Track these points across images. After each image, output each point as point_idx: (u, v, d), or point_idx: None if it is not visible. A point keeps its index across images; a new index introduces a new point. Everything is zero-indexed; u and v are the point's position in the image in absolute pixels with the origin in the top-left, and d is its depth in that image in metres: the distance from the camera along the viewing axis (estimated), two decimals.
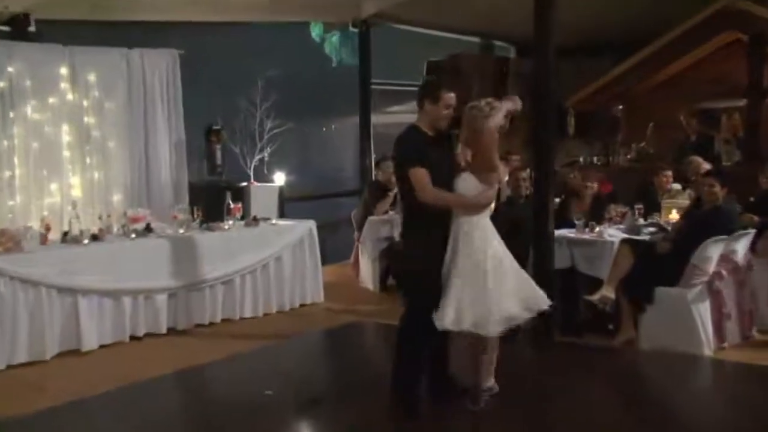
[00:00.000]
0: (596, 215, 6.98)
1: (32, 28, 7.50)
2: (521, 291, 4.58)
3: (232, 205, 7.57)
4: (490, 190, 4.57)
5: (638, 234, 6.72)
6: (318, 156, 10.54)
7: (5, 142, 7.28)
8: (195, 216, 7.33)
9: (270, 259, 7.53)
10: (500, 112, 4.49)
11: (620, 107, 11.01)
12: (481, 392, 4.73)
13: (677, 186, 7.44)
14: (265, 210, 8.22)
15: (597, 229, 6.69)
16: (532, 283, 4.73)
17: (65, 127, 7.70)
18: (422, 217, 4.60)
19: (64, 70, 7.64)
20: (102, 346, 6.36)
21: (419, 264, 4.63)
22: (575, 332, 6.49)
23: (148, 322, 6.69)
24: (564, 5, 6.29)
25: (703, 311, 6.00)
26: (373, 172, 9.70)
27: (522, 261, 6.44)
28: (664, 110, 10.23)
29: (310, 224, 7.95)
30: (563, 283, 6.47)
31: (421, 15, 10.20)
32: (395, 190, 8.51)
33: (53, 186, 7.62)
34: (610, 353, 6.16)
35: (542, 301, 4.64)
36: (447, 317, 4.43)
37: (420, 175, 4.49)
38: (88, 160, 7.87)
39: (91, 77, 7.85)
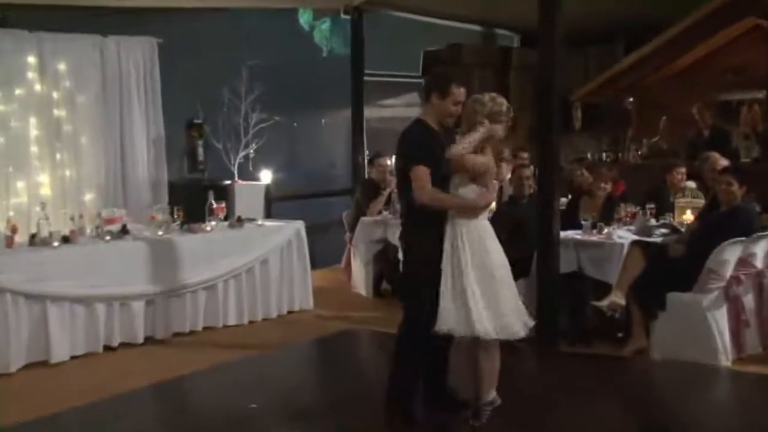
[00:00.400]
0: (606, 216, 6.97)
1: None
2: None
3: (214, 205, 7.55)
4: (489, 192, 4.59)
5: (650, 235, 6.72)
6: (307, 152, 10.52)
7: None
8: (175, 217, 7.31)
9: (255, 262, 7.51)
10: (469, 141, 4.52)
11: (631, 100, 11.02)
12: (483, 406, 4.71)
13: (692, 184, 7.43)
14: (250, 210, 8.20)
15: (605, 230, 6.69)
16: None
17: (33, 121, 7.68)
18: (422, 216, 4.63)
19: (31, 59, 7.62)
20: (73, 358, 6.32)
21: (419, 266, 4.64)
22: (582, 341, 6.49)
23: (124, 331, 6.65)
24: None
25: (720, 318, 5.98)
26: (366, 170, 9.68)
27: (525, 264, 6.53)
28: (679, 103, 10.24)
29: (299, 225, 7.93)
30: (569, 288, 6.48)
31: (418, 1, 10.20)
32: (389, 189, 8.52)
33: (20, 184, 7.60)
34: (619, 363, 6.14)
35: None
36: (467, 324, 4.49)
37: (421, 174, 4.52)
38: (58, 157, 7.85)
39: (62, 67, 7.82)
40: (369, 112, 10.73)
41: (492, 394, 4.73)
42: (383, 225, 8.37)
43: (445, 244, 4.56)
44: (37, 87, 7.68)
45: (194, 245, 7.10)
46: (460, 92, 4.66)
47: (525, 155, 8.64)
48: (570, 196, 7.65)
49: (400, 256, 4.92)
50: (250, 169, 8.99)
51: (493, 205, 7.62)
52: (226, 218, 7.67)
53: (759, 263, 6.24)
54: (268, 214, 8.73)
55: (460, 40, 11.68)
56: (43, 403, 5.34)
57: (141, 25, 8.36)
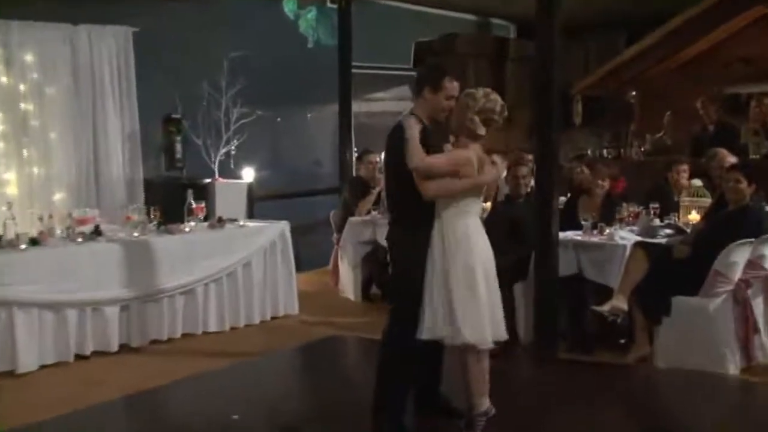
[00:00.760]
0: (606, 215, 6.97)
1: None
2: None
3: (194, 205, 7.53)
4: (486, 173, 4.60)
5: (653, 236, 6.73)
6: (292, 149, 10.50)
7: None
8: (151, 217, 7.29)
9: (237, 265, 7.50)
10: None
11: (634, 94, 11.03)
12: (476, 417, 4.71)
13: (698, 182, 7.43)
14: (231, 210, 8.19)
15: (607, 230, 6.69)
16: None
17: None
18: (410, 215, 4.64)
19: None
20: (42, 367, 6.28)
21: (407, 267, 4.65)
22: (582, 347, 6.49)
23: (97, 339, 6.62)
24: None
25: (728, 324, 5.99)
26: (354, 167, 9.68)
27: (523, 266, 6.54)
28: (684, 96, 10.24)
29: (283, 226, 7.93)
30: (569, 292, 6.49)
31: None
32: (378, 187, 8.52)
33: None
34: (621, 371, 6.15)
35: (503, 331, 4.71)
36: (441, 329, 4.51)
37: (414, 142, 4.50)
38: (25, 153, 7.81)
39: (29, 57, 7.78)
40: (357, 107, 10.72)
41: (485, 404, 4.72)
42: (372, 225, 8.37)
43: (432, 243, 4.57)
44: (3, 79, 7.65)
45: (172, 247, 7.08)
46: (453, 86, 4.66)
47: (529, 158, 8.58)
48: (568, 195, 7.65)
49: (389, 258, 4.91)
50: (232, 166, 8.97)
51: (488, 203, 7.67)
52: (206, 219, 7.65)
53: None
54: (251, 215, 8.71)
55: (453, 30, 11.69)
56: (8, 416, 5.27)
57: (115, 13, 8.33)
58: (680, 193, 7.56)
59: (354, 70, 10.42)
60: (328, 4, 10.16)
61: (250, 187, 9.00)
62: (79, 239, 6.73)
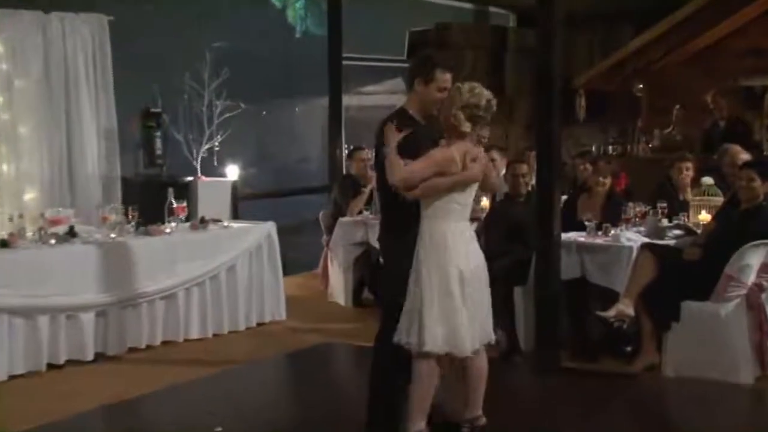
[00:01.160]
0: (611, 215, 6.97)
1: None
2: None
3: (174, 205, 7.51)
4: (472, 169, 4.57)
5: (662, 238, 6.73)
6: (279, 145, 10.52)
7: None
8: (129, 218, 7.27)
9: (221, 268, 7.49)
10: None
11: (641, 87, 11.03)
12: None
13: (709, 180, 7.43)
14: (214, 210, 8.18)
15: (612, 231, 6.69)
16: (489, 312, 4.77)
17: None
18: (401, 215, 4.65)
19: None
20: (12, 377, 6.24)
21: (398, 270, 4.64)
22: (586, 355, 6.49)
23: (71, 347, 6.59)
24: None
25: (741, 330, 5.98)
26: (345, 165, 9.67)
27: (523, 269, 6.53)
28: (694, 90, 10.29)
29: (270, 227, 7.92)
30: (572, 297, 6.49)
31: None
32: (370, 185, 8.52)
33: None
34: (627, 381, 6.13)
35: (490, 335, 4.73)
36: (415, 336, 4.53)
37: (394, 156, 4.52)
38: None
39: None
40: (348, 100, 10.73)
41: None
42: (364, 226, 8.36)
43: (417, 246, 4.59)
44: None
45: (152, 249, 7.06)
46: (445, 78, 4.66)
47: (532, 154, 8.58)
48: (569, 194, 7.65)
49: (382, 260, 4.91)
50: (215, 163, 8.98)
51: (486, 203, 7.68)
52: (187, 219, 7.63)
53: None
54: (235, 215, 8.72)
55: (449, 19, 11.70)
56: None
57: (90, 0, 8.31)
58: (684, 193, 7.56)
59: (345, 62, 10.42)
60: None
61: (235, 186, 9.00)
62: (52, 241, 6.69)
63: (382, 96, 11.69)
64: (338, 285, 8.71)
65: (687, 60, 10.88)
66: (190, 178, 8.68)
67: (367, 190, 8.66)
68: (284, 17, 10.01)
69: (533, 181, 7.17)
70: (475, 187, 4.70)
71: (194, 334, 7.33)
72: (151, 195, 8.01)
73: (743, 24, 10.35)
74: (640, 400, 5.93)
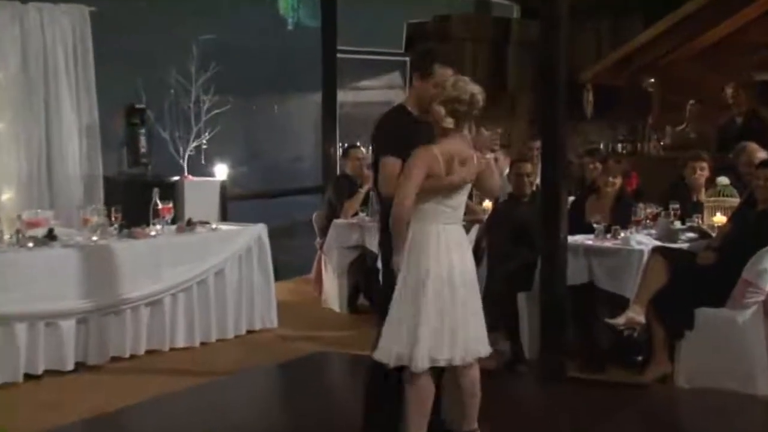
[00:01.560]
0: (620, 217, 6.96)
1: None
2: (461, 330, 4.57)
3: (160, 206, 7.51)
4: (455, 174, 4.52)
5: (674, 241, 6.74)
6: (270, 143, 10.52)
7: None
8: (112, 219, 7.27)
9: (209, 273, 7.49)
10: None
11: (651, 81, 11.03)
12: None
13: (724, 180, 7.43)
14: (202, 211, 8.18)
15: (622, 234, 6.69)
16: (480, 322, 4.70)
17: None
18: None
19: None
20: None
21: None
22: (594, 365, 6.49)
23: (50, 356, 6.57)
24: None
25: (758, 339, 5.98)
26: (340, 164, 9.67)
27: (528, 274, 6.52)
28: (708, 84, 10.28)
29: (260, 229, 7.93)
30: (579, 303, 6.49)
31: None
32: (366, 186, 8.52)
33: None
34: (638, 392, 6.13)
35: (482, 347, 4.65)
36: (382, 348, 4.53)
37: (389, 168, 4.55)
38: None
39: None
40: (343, 96, 10.73)
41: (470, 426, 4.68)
42: (359, 229, 8.38)
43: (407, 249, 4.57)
44: None
45: (135, 253, 7.06)
46: (444, 73, 4.66)
47: (536, 144, 8.54)
48: (577, 195, 7.64)
49: (380, 264, 4.89)
50: (202, 162, 8.98)
51: (488, 204, 7.67)
52: (173, 221, 7.64)
53: None
54: (224, 216, 8.71)
55: (449, 10, 11.70)
56: None
57: None
58: (698, 193, 7.55)
59: (339, 55, 10.44)
60: None
61: (223, 186, 9.00)
62: (30, 244, 6.68)
63: (379, 91, 11.70)
64: (332, 290, 8.72)
65: (699, 54, 10.88)
66: (176, 178, 8.67)
67: (363, 191, 8.67)
68: (275, 8, 10.00)
69: (538, 181, 7.16)
70: (468, 187, 4.67)
71: (180, 343, 7.33)
72: (135, 195, 7.99)
73: (759, 15, 10.34)
74: (651, 412, 5.93)
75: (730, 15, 10.29)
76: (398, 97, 11.06)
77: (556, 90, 6.32)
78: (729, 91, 9.76)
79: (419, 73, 4.74)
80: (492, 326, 4.76)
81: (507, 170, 7.74)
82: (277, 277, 8.23)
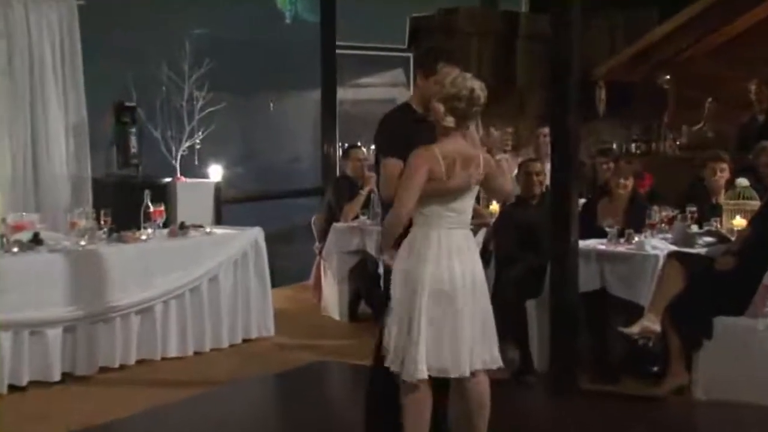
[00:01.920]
0: (634, 220, 6.96)
1: None
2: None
3: (151, 208, 7.51)
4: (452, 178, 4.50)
5: (691, 246, 6.73)
6: (266, 142, 10.51)
7: None
8: (101, 223, 7.27)
9: (203, 279, 7.49)
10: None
11: (667, 78, 11.02)
12: None
13: (744, 181, 7.43)
14: (195, 215, 8.20)
15: (636, 238, 6.69)
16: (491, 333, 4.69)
17: None
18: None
19: None
20: None
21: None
22: (607, 376, 6.49)
23: (35, 366, 6.57)
24: None
25: None
26: (340, 165, 9.67)
27: (537, 280, 6.52)
28: (727, 82, 10.26)
29: (257, 233, 7.93)
30: (591, 311, 6.49)
31: None
32: (368, 187, 8.53)
33: None
34: (653, 405, 6.13)
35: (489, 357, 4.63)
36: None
37: (390, 169, 4.56)
38: None
39: None
40: (343, 93, 10.73)
41: None
42: (360, 233, 8.39)
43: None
44: None
45: (125, 258, 7.06)
46: (446, 73, 4.64)
47: (545, 131, 8.51)
48: (588, 197, 7.64)
49: (381, 270, 4.90)
50: (196, 163, 9.00)
51: (495, 207, 7.67)
52: (165, 225, 7.64)
53: None
54: (218, 220, 8.73)
55: (455, 3, 11.69)
56: None
57: None
58: (717, 196, 7.55)
59: (339, 51, 10.44)
60: None
61: (218, 188, 9.02)
62: (15, 249, 6.68)
63: (381, 89, 11.70)
64: (332, 297, 8.73)
65: (717, 49, 10.86)
66: (168, 179, 8.68)
67: (364, 193, 8.68)
68: (272, 1, 10.00)
69: (548, 181, 7.16)
70: (475, 190, 4.66)
71: (173, 352, 7.33)
72: (125, 198, 8.00)
73: None
74: (667, 425, 5.93)
75: (751, 8, 10.27)
76: (401, 94, 11.09)
77: (567, 87, 6.31)
78: (752, 87, 9.73)
79: (423, 71, 4.79)
80: (499, 334, 4.75)
81: (515, 171, 7.75)
82: (274, 283, 8.24)
